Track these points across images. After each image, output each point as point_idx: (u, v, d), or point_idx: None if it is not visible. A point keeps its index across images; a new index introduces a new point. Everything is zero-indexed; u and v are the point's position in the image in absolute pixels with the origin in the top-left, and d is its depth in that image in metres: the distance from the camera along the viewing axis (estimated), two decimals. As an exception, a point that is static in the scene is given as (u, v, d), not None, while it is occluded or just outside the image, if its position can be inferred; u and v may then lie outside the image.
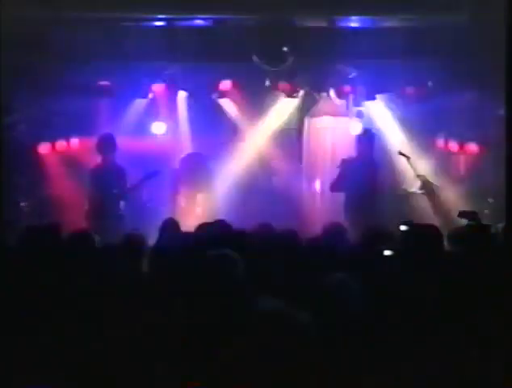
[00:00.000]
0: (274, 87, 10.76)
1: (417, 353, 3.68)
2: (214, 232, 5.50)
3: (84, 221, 8.80)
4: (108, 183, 9.03)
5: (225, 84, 10.69)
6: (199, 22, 9.96)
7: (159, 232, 6.50)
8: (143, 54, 10.24)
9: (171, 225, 6.74)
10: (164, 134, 10.92)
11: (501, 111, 8.68)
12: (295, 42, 9.75)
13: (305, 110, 11.08)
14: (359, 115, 10.85)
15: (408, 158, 10.00)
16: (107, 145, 9.21)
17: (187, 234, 6.16)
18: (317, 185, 11.14)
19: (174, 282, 4.26)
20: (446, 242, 5.07)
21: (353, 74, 10.59)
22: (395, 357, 3.64)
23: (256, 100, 10.88)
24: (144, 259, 4.94)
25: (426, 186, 10.05)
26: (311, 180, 11.19)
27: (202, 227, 6.15)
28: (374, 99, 10.79)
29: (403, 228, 4.83)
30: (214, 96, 10.84)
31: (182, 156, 10.73)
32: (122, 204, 9.08)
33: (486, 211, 10.16)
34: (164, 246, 5.46)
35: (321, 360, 3.56)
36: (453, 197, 10.23)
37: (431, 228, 4.87)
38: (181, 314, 3.78)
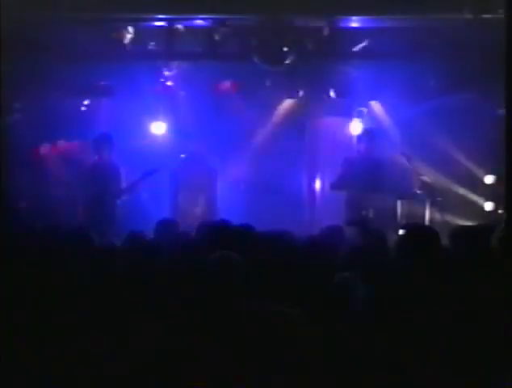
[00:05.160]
0: (274, 87, 10.76)
1: (417, 353, 3.68)
2: (214, 232, 5.50)
3: (81, 221, 8.80)
4: (105, 182, 9.04)
5: (225, 84, 10.69)
6: (199, 22, 9.96)
7: (154, 233, 6.48)
8: (143, 54, 10.26)
9: (167, 226, 6.71)
10: (164, 134, 10.92)
11: (501, 111, 8.68)
12: (295, 42, 9.74)
13: (305, 110, 11.08)
14: (359, 115, 10.85)
15: (408, 157, 9.99)
16: (104, 144, 9.22)
17: (187, 235, 6.17)
18: (318, 185, 11.15)
19: (174, 283, 4.26)
20: (445, 243, 5.07)
21: (353, 74, 10.59)
22: (395, 357, 3.64)
23: (256, 100, 10.88)
24: (144, 259, 4.93)
25: (426, 186, 10.04)
26: (311, 180, 11.19)
27: (202, 227, 6.15)
28: (374, 99, 10.79)
29: (401, 231, 4.85)
30: (214, 96, 10.84)
31: (183, 156, 10.73)
32: (118, 203, 9.09)
33: (486, 211, 10.18)
34: (164, 246, 5.46)
35: (322, 360, 3.56)
36: (453, 197, 10.24)
37: (428, 229, 4.87)
38: (181, 316, 3.78)
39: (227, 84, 10.72)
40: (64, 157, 10.59)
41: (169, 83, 10.72)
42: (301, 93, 10.88)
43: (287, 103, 11.00)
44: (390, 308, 3.95)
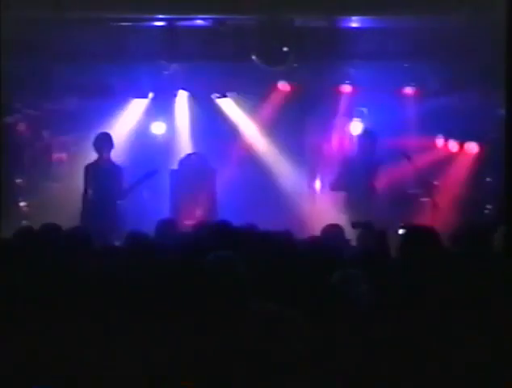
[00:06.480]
0: (274, 87, 10.76)
1: (417, 354, 3.68)
2: (214, 233, 5.51)
3: (81, 221, 8.79)
4: (105, 181, 9.03)
5: (225, 84, 10.70)
6: (199, 22, 9.96)
7: (155, 233, 6.49)
8: (143, 54, 10.26)
9: (168, 226, 6.72)
10: (164, 134, 10.92)
11: (501, 111, 8.68)
12: (295, 42, 9.74)
13: (305, 110, 11.07)
14: (360, 115, 10.85)
15: (408, 157, 9.99)
16: (104, 143, 9.21)
17: (187, 235, 6.17)
18: (318, 185, 11.14)
19: (174, 283, 4.26)
20: (446, 243, 5.08)
21: (353, 74, 10.60)
22: (394, 358, 3.64)
23: (256, 100, 10.88)
24: (144, 259, 4.94)
25: (426, 186, 10.03)
26: (311, 180, 11.18)
27: (202, 228, 6.16)
28: (374, 98, 10.79)
29: (401, 231, 4.86)
30: (214, 96, 10.85)
31: (182, 156, 10.73)
32: (119, 203, 9.08)
33: (486, 211, 10.18)
34: (164, 246, 5.47)
35: (321, 359, 3.56)
36: (453, 197, 10.23)
37: (428, 229, 4.87)
38: (181, 316, 3.78)
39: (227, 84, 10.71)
40: (64, 157, 10.59)
41: (169, 83, 10.72)
42: (301, 93, 10.87)
43: (287, 103, 10.99)
44: (390, 308, 3.95)
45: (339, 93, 10.81)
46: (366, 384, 3.58)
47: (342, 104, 10.94)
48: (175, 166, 10.63)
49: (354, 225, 7.32)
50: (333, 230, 6.45)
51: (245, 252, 4.67)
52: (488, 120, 10.34)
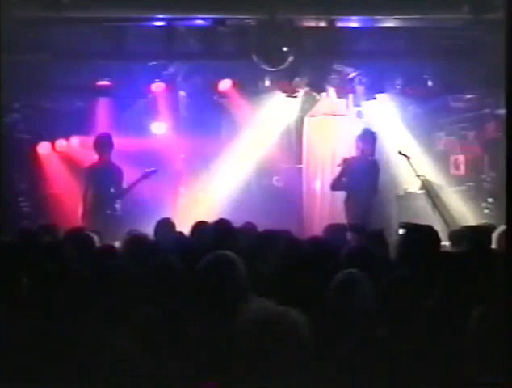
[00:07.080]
0: (274, 87, 10.76)
1: (417, 354, 3.68)
2: (213, 232, 5.52)
3: (81, 221, 8.80)
4: (105, 182, 9.03)
5: (225, 84, 10.69)
6: (199, 22, 9.96)
7: (154, 232, 6.50)
8: (143, 54, 10.26)
9: (166, 226, 6.72)
10: (164, 134, 10.93)
11: (501, 111, 8.70)
12: (295, 42, 9.74)
13: (305, 110, 11.08)
14: (359, 115, 10.85)
15: (408, 157, 9.99)
16: (104, 144, 9.21)
17: (187, 235, 6.18)
18: (317, 185, 11.14)
19: (174, 283, 4.26)
20: (446, 243, 5.08)
21: (353, 74, 10.59)
22: (394, 358, 3.64)
23: (256, 100, 10.88)
24: (144, 259, 4.93)
25: (426, 186, 10.04)
26: (311, 180, 11.19)
27: (201, 227, 6.16)
28: (374, 99, 10.79)
29: (401, 231, 4.86)
30: (214, 96, 10.84)
31: (182, 157, 10.74)
32: (119, 203, 9.08)
33: (486, 211, 10.19)
34: (162, 246, 5.47)
35: (320, 359, 3.56)
36: (453, 197, 10.24)
37: (427, 229, 4.87)
38: (179, 315, 3.79)
39: (227, 83, 10.70)
40: (64, 157, 10.59)
41: (169, 83, 10.72)
42: (301, 93, 10.87)
43: (287, 103, 10.99)
44: (390, 308, 3.95)
45: (339, 93, 10.81)
46: (366, 384, 3.58)
47: (342, 104, 10.95)
48: (176, 167, 10.64)
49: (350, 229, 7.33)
50: (333, 230, 6.45)
51: (245, 252, 4.67)
52: (488, 120, 10.35)
